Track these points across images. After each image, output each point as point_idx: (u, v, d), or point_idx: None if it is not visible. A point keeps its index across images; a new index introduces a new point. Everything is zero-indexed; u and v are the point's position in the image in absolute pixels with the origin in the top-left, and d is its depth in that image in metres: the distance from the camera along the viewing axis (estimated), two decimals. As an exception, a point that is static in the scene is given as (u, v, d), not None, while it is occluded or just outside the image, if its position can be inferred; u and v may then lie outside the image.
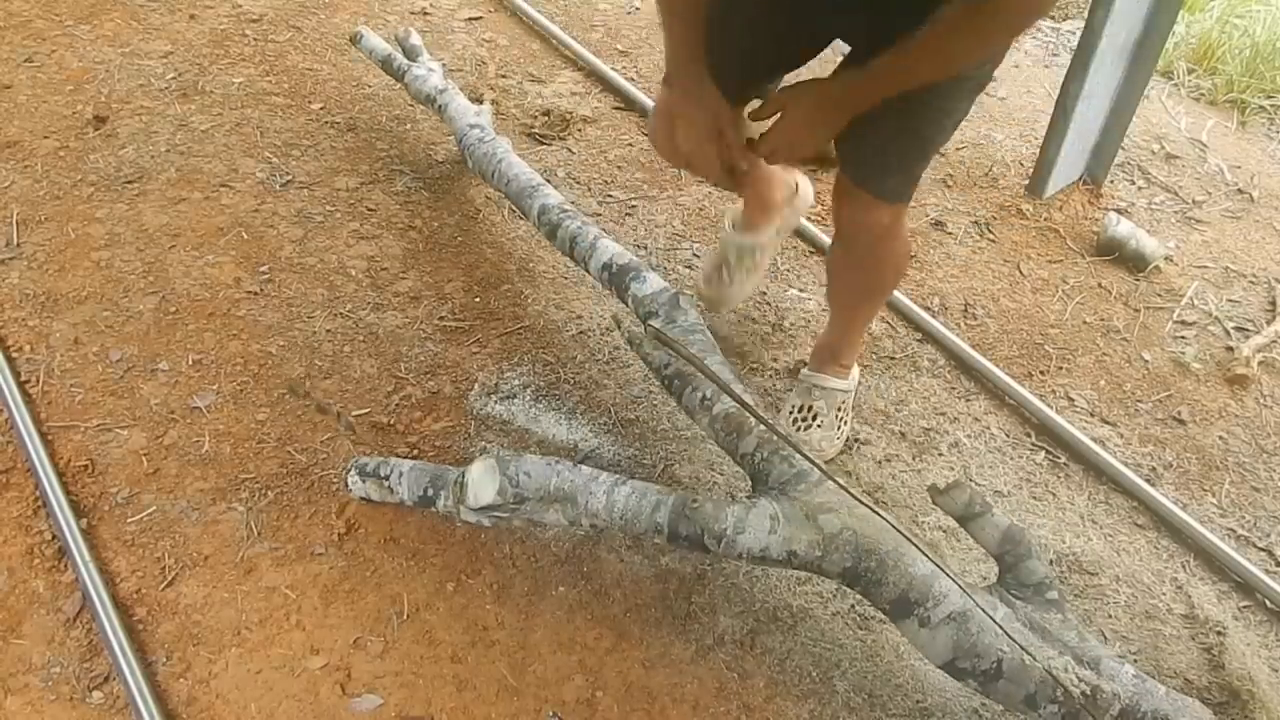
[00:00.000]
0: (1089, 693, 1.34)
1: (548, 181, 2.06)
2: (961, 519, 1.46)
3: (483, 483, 1.51)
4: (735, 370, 1.72)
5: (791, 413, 1.90)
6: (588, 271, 1.91)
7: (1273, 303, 2.31)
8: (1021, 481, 1.90)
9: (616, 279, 1.85)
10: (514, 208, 2.18)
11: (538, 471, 1.51)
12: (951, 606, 1.38)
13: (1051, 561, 1.76)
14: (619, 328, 1.78)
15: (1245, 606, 1.73)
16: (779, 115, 1.48)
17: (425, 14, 3.02)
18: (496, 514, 1.53)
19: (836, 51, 1.60)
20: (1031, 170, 2.55)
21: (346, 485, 1.71)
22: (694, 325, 1.77)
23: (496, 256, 2.25)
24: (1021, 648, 1.34)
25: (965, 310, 2.24)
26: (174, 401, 1.85)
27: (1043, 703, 1.36)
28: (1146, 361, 2.16)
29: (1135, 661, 1.60)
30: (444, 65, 2.55)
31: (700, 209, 2.42)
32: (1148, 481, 1.89)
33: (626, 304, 1.85)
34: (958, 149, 2.68)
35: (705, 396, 1.65)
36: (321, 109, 2.59)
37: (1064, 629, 1.41)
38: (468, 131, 2.23)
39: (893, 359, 2.11)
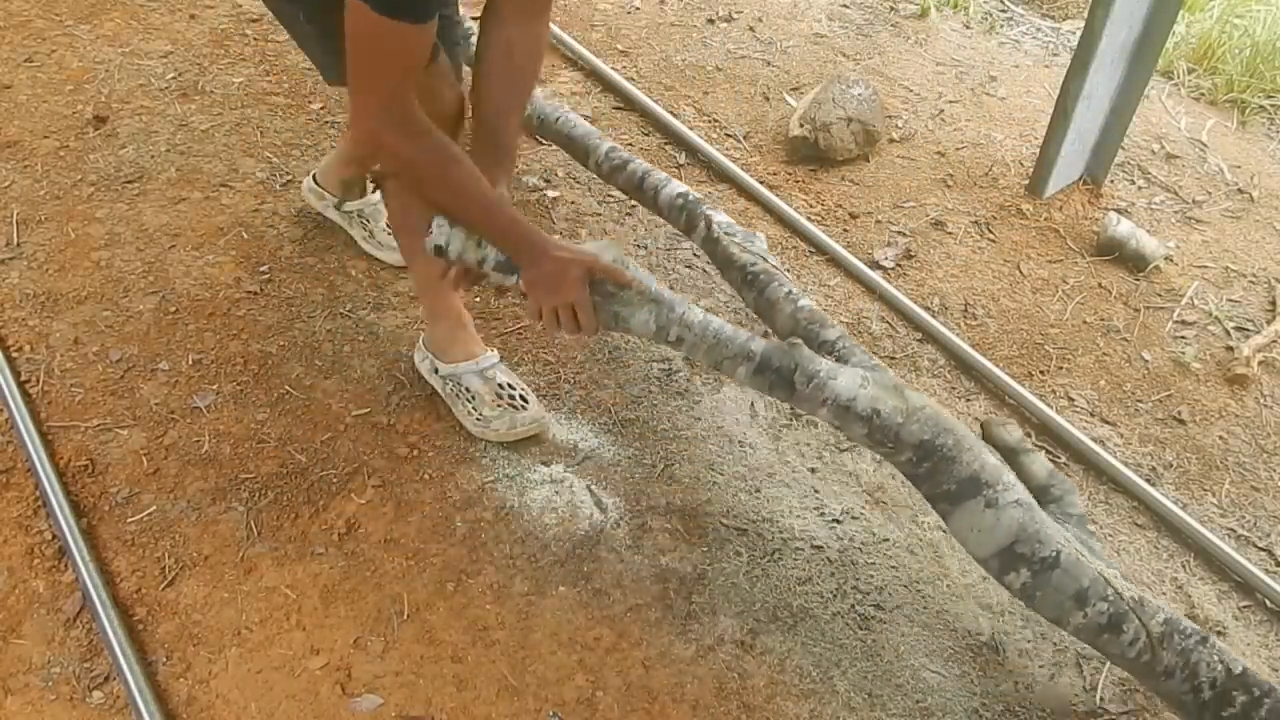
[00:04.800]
0: (1138, 599, 1.37)
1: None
2: (1010, 453, 1.54)
3: (602, 246, 1.54)
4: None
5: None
6: (655, 205, 1.98)
7: (1273, 303, 2.31)
8: (1021, 481, 1.90)
9: (690, 209, 1.91)
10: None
11: (643, 273, 1.56)
12: (1019, 494, 1.42)
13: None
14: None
15: (1245, 606, 1.73)
16: None
17: (425, 14, 3.01)
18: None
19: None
20: (1031, 170, 2.55)
21: (430, 229, 1.49)
22: (763, 250, 1.82)
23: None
24: (1078, 550, 1.39)
25: (965, 310, 2.24)
26: (174, 401, 1.85)
27: (1094, 599, 1.38)
28: (1146, 361, 2.16)
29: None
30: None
31: (700, 209, 2.42)
32: (1148, 481, 1.89)
33: (698, 228, 1.87)
34: (958, 149, 2.68)
35: (790, 292, 1.71)
36: (321, 109, 2.59)
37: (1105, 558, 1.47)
38: None
39: (893, 359, 2.10)
